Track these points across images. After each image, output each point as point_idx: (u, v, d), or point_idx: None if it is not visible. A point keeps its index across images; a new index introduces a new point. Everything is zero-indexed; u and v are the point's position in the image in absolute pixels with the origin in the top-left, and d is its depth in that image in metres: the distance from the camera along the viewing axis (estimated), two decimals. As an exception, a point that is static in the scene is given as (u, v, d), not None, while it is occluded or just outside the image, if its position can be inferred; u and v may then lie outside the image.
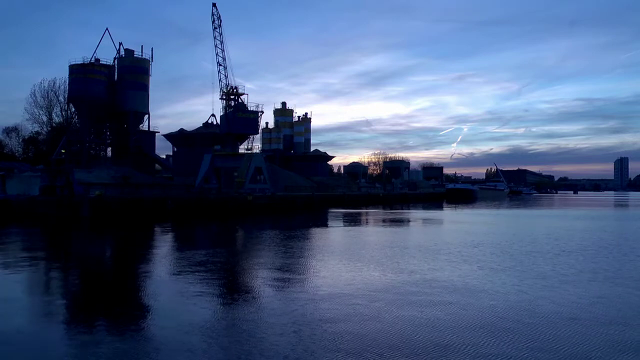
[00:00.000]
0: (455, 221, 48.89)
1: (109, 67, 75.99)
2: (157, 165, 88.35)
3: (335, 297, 14.47)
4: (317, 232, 35.83)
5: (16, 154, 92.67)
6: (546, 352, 9.78)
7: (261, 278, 18.07)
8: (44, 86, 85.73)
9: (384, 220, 48.49)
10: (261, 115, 74.72)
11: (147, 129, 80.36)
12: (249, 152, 72.27)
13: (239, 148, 74.32)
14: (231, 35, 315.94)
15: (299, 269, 19.93)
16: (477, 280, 17.25)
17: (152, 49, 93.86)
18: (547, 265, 20.54)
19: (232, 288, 16.70)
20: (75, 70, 72.51)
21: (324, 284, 16.61)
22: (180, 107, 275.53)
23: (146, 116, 79.75)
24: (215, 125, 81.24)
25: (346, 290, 15.42)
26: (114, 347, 10.16)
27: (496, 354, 9.63)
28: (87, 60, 72.63)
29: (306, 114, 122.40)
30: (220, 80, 71.49)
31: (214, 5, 69.61)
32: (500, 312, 12.88)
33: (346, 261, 21.26)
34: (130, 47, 77.85)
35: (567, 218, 53.92)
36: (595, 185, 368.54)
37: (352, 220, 49.04)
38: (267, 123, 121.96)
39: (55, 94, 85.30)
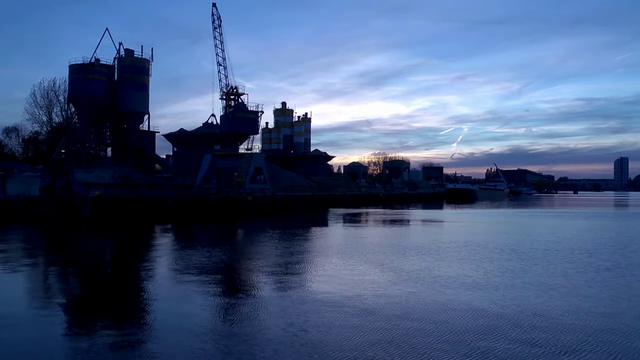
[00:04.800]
0: (458, 221, 48.82)
1: (109, 67, 75.93)
2: (157, 165, 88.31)
3: (360, 301, 14.43)
4: (319, 232, 35.78)
5: (16, 154, 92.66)
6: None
7: (264, 280, 18.00)
8: (44, 86, 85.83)
9: (385, 221, 48.44)
10: (261, 115, 74.86)
11: (147, 129, 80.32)
12: (249, 152, 72.26)
13: (239, 148, 74.34)
14: (231, 35, 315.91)
15: (307, 271, 19.78)
16: (499, 278, 17.24)
17: (152, 49, 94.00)
18: (563, 264, 20.60)
19: (234, 290, 16.64)
20: (75, 70, 72.45)
21: (336, 285, 16.55)
22: (180, 107, 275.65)
23: (146, 116, 79.74)
24: (215, 125, 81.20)
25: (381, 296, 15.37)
26: (114, 349, 10.14)
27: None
28: (87, 60, 72.60)
29: (306, 114, 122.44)
30: (220, 80, 71.62)
31: (214, 5, 69.67)
32: (533, 309, 12.89)
33: (359, 263, 21.14)
34: (130, 47, 77.94)
35: (569, 217, 53.86)
36: (595, 185, 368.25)
37: (354, 221, 49.00)
38: (267, 123, 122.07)
39: (55, 94, 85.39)
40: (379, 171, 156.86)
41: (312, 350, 9.85)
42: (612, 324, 11.65)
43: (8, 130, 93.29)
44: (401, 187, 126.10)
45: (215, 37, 70.61)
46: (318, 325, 11.53)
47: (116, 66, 77.46)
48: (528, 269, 19.23)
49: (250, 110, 73.13)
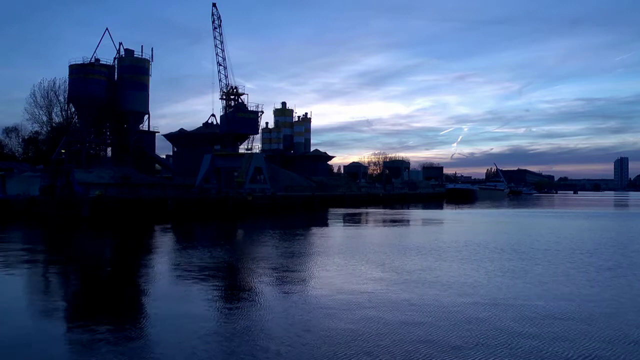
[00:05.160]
0: (458, 221, 48.79)
1: (109, 67, 75.87)
2: (157, 165, 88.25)
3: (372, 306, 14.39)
4: (319, 232, 35.73)
5: (16, 154, 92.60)
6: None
7: (266, 280, 17.91)
8: (44, 86, 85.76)
9: (386, 221, 48.41)
10: (261, 115, 74.83)
11: (147, 129, 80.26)
12: (249, 152, 72.22)
13: (239, 148, 74.30)
14: (231, 35, 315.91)
15: (309, 271, 19.67)
16: (501, 278, 17.22)
17: (152, 49, 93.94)
18: (565, 264, 20.61)
19: (236, 290, 16.60)
20: (75, 70, 72.40)
21: (339, 286, 16.48)
22: (180, 107, 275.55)
23: (146, 116, 79.67)
24: (215, 125, 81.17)
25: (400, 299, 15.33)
26: (115, 349, 10.10)
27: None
28: (87, 60, 72.54)
29: (306, 114, 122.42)
30: (220, 80, 71.59)
31: (214, 5, 69.64)
32: (536, 310, 12.85)
33: (360, 263, 21.06)
34: (130, 47, 77.86)
35: (569, 217, 53.82)
36: (595, 185, 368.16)
37: (354, 221, 48.96)
38: (267, 123, 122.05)
39: (55, 94, 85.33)
40: (379, 171, 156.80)
41: (316, 351, 9.80)
42: (616, 324, 11.62)
43: (8, 130, 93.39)
44: (401, 187, 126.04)
45: (215, 37, 70.64)
46: (321, 325, 11.49)
47: (116, 66, 77.40)
48: (529, 269, 19.20)
49: (250, 110, 73.09)
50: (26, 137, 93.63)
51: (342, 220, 48.90)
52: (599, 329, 11.22)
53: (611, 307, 13.31)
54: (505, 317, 12.22)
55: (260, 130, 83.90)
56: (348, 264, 20.30)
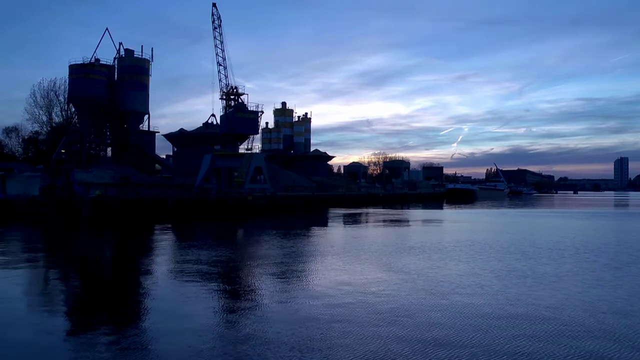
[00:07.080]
0: (460, 221, 48.60)
1: (109, 67, 75.65)
2: (157, 165, 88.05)
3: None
4: (320, 233, 35.54)
5: (16, 154, 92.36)
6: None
7: (269, 281, 17.71)
8: (44, 86, 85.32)
9: (386, 221, 48.22)
10: (261, 115, 74.59)
11: (147, 129, 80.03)
12: (249, 152, 72.05)
13: (239, 148, 74.08)
14: (231, 35, 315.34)
15: (314, 272, 19.45)
16: (509, 278, 17.12)
17: (152, 49, 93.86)
18: (571, 263, 20.55)
19: (239, 292, 16.39)
20: (75, 70, 72.20)
21: (345, 288, 16.24)
22: (180, 107, 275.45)
23: (146, 116, 79.44)
24: (215, 125, 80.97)
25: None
26: (115, 351, 9.91)
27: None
28: (87, 60, 72.31)
29: (306, 114, 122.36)
30: (220, 80, 71.35)
31: (214, 5, 69.43)
32: (547, 309, 12.66)
33: (364, 263, 20.84)
34: (130, 47, 77.58)
35: (570, 217, 53.70)
36: (595, 185, 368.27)
37: (355, 221, 48.77)
38: (267, 123, 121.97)
39: (55, 94, 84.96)
40: (379, 171, 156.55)
41: (324, 355, 9.62)
42: (630, 323, 11.47)
43: (8, 130, 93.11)
44: (401, 187, 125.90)
45: (215, 37, 70.41)
46: (330, 328, 11.29)
47: (116, 66, 77.17)
48: (536, 268, 19.04)
49: (250, 110, 72.90)
50: (26, 137, 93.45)
51: (342, 221, 48.70)
52: (615, 328, 11.03)
53: (624, 306, 13.12)
54: (519, 315, 12.03)
55: (260, 130, 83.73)
56: (353, 265, 20.10)
